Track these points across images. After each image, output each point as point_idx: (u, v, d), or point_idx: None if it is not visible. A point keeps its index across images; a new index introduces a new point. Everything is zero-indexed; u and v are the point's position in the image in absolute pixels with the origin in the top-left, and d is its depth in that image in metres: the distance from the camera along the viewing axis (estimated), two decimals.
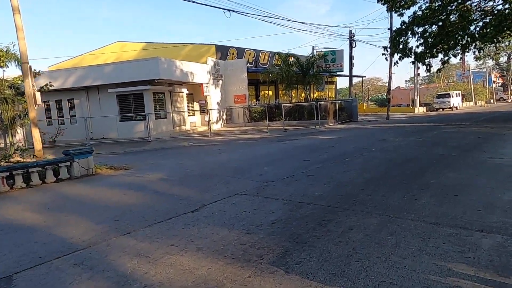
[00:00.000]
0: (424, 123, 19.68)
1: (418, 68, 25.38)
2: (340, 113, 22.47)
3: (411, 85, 66.60)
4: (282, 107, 19.84)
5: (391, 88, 25.22)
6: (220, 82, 24.65)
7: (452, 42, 20.26)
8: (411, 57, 19.95)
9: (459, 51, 21.33)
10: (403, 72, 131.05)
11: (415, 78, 34.13)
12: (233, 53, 26.64)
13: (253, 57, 27.97)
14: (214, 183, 6.53)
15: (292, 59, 22.89)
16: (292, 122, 22.71)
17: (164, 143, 16.68)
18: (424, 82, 66.55)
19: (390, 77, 22.94)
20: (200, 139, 17.23)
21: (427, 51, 20.56)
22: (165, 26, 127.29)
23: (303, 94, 24.13)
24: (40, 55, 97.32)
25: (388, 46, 20.43)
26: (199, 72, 22.09)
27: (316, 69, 23.98)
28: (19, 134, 16.37)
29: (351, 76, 23.47)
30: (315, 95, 26.57)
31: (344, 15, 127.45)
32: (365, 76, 34.96)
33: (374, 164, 7.48)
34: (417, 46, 20.84)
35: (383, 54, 20.82)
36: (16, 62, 15.14)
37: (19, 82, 16.20)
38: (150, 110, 19.19)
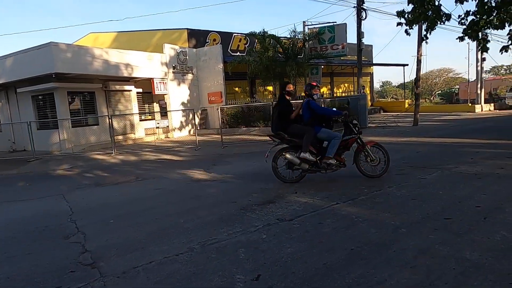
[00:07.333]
0: (462, 135, 11.09)
1: (487, 48, 15.67)
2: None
3: (491, 76, 51.98)
4: (219, 110, 13.08)
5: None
6: (190, 76, 18.56)
7: None
8: (443, 23, 11.47)
9: None
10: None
11: (478, 64, 23.68)
12: (214, 39, 20.26)
13: (245, 43, 21.26)
14: None
15: (271, 41, 15.68)
16: (270, 130, 15.71)
17: (44, 165, 11.33)
18: (510, 72, 51.33)
19: (418, 61, 14.38)
20: (94, 160, 11.49)
21: (482, 19, 11.83)
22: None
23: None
24: None
25: (407, 11, 12.16)
26: (148, 63, 16.30)
27: (309, 53, 16.37)
28: None
29: (359, 62, 15.28)
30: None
31: None
32: (407, 65, 25.32)
33: None
34: (466, 14, 12.17)
35: (398, 24, 12.53)
36: None
37: None
38: (64, 114, 14.06)
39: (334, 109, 6.45)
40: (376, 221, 3.80)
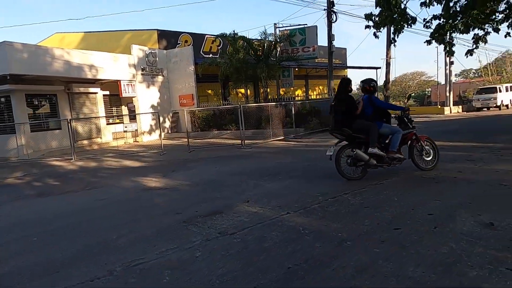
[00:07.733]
0: None
1: (452, 52, 15.75)
2: (309, 118, 14.66)
3: (461, 79, 53.75)
4: (185, 113, 12.69)
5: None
6: (160, 78, 18.01)
7: (493, 5, 11.43)
8: (409, 26, 11.54)
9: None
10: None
11: (446, 68, 24.29)
12: (186, 41, 19.80)
13: (218, 45, 20.90)
14: None
15: (242, 42, 15.40)
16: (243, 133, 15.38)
17: None
18: (478, 75, 53.17)
19: (387, 64, 14.47)
20: (50, 167, 10.81)
21: (447, 23, 11.96)
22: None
23: (263, 92, 16.38)
24: None
25: (374, 14, 12.17)
26: (114, 65, 15.64)
27: (280, 55, 16.21)
28: None
29: (330, 65, 15.24)
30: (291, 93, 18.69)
31: None
32: (379, 68, 25.65)
33: None
34: (432, 18, 12.32)
35: (367, 26, 12.54)
36: None
37: None
38: (22, 118, 13.23)
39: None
40: (323, 232, 3.53)
